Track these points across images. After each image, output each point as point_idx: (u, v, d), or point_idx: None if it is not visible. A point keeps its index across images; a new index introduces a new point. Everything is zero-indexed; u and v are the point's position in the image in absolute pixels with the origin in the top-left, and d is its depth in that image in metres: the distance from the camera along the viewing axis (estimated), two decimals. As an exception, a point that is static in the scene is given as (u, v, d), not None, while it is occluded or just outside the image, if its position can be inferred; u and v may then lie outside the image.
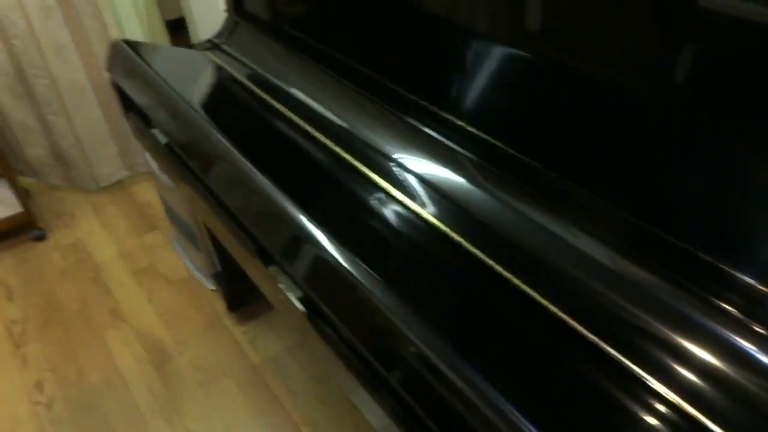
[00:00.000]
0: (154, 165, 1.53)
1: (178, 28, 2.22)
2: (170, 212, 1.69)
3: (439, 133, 0.88)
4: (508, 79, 0.81)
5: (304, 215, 0.77)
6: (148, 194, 2.10)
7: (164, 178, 1.51)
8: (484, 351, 0.63)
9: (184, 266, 1.79)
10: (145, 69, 1.13)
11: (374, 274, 0.68)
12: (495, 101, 0.83)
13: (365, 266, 0.70)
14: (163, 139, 1.14)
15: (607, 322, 0.63)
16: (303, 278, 0.77)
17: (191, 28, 2.12)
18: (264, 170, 0.86)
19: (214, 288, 1.69)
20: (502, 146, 0.81)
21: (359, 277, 0.68)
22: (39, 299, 1.71)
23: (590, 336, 0.62)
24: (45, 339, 1.59)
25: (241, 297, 1.63)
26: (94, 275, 1.78)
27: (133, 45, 1.21)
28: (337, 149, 0.94)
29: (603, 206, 0.70)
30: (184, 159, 1.07)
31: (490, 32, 0.82)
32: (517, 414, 0.54)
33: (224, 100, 1.15)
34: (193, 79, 1.20)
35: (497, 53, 0.81)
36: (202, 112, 1.06)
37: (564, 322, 0.64)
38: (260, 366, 1.48)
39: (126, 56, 1.18)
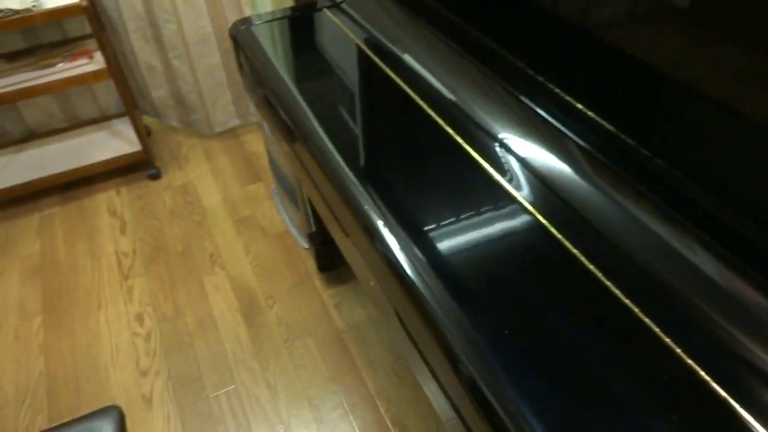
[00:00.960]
0: (261, 118, 1.54)
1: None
2: (274, 166, 1.71)
3: (553, 117, 0.79)
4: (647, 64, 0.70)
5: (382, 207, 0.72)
6: (256, 145, 2.14)
7: (269, 132, 1.52)
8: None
9: (282, 221, 1.82)
10: (260, 52, 1.14)
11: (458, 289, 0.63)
12: (624, 86, 0.73)
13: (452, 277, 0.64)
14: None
15: (713, 351, 0.55)
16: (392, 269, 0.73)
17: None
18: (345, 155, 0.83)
19: (307, 247, 1.71)
20: (622, 135, 0.71)
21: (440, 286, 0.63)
22: (148, 235, 1.81)
23: (698, 371, 0.53)
24: (149, 274, 1.68)
25: (331, 260, 1.63)
26: (199, 218, 1.86)
27: (253, 24, 1.22)
28: (441, 122, 0.89)
29: (730, 219, 0.60)
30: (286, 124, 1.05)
31: (628, 15, 0.72)
32: None
33: (335, 71, 1.11)
34: (308, 47, 1.18)
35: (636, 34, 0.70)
36: (301, 90, 1.04)
37: (665, 347, 0.56)
38: (343, 331, 1.48)
39: (246, 34, 1.19)
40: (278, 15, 1.27)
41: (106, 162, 1.93)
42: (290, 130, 1.02)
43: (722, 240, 0.61)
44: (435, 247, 0.70)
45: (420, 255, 0.69)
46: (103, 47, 1.73)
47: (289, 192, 1.64)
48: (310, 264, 1.67)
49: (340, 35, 1.17)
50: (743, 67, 0.60)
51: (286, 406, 1.33)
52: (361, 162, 0.86)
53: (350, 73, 1.08)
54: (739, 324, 0.56)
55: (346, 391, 1.35)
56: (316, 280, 1.62)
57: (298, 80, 1.05)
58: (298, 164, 1.06)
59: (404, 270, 0.68)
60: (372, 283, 0.80)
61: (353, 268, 0.97)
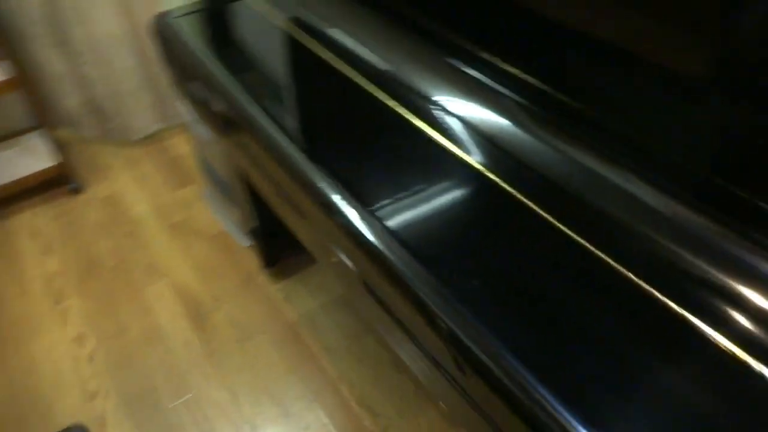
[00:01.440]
0: (190, 116, 1.49)
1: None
2: (206, 166, 1.66)
3: (486, 77, 0.83)
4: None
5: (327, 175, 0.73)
6: (182, 147, 2.08)
7: (200, 130, 1.48)
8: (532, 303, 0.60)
9: (219, 222, 1.78)
10: (189, 44, 1.11)
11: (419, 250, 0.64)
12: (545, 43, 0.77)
13: (412, 237, 0.66)
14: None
15: (663, 272, 0.60)
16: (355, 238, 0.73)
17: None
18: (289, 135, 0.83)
19: (248, 244, 1.68)
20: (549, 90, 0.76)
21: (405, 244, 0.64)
22: (76, 254, 1.72)
23: (644, 286, 0.59)
24: (83, 293, 1.60)
25: (275, 255, 1.61)
26: (130, 229, 1.78)
27: (177, 17, 1.18)
28: (380, 94, 0.91)
29: (657, 151, 0.66)
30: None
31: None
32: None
33: (267, 55, 1.10)
34: (237, 35, 1.15)
35: None
36: (237, 78, 1.02)
37: (615, 270, 0.61)
38: (296, 323, 1.47)
39: (171, 27, 1.15)
40: (202, 5, 1.24)
41: (21, 181, 1.81)
42: (230, 121, 1.00)
43: (649, 169, 0.67)
44: (393, 212, 0.72)
45: (380, 221, 0.70)
46: (7, 56, 1.61)
47: (225, 191, 1.61)
48: (254, 261, 1.64)
49: (266, 19, 1.16)
50: (638, 26, 0.65)
51: (248, 406, 1.31)
52: (310, 141, 0.86)
53: (284, 55, 1.07)
54: (674, 239, 0.62)
55: (307, 380, 1.35)
56: (262, 277, 1.60)
57: (232, 69, 1.03)
58: (242, 156, 1.04)
59: (367, 238, 0.69)
60: (334, 260, 0.81)
61: (311, 250, 0.97)
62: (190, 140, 1.73)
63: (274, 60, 1.06)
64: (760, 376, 0.52)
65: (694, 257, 0.60)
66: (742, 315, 0.56)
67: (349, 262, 0.77)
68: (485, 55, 0.85)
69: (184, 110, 1.51)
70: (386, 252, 0.67)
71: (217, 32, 1.17)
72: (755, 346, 0.54)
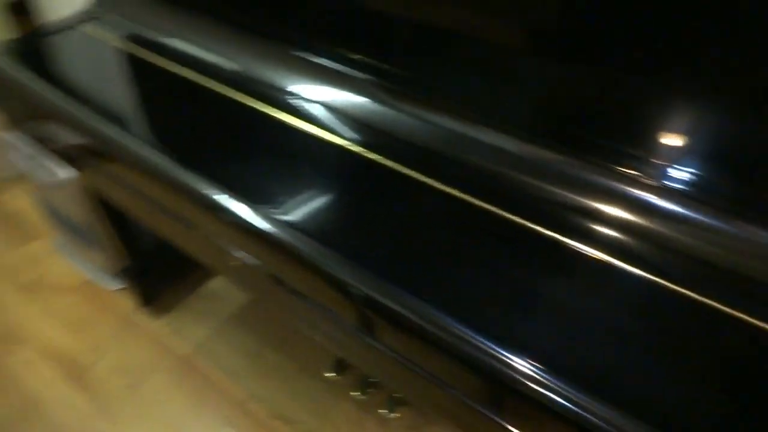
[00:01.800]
0: (28, 163, 1.38)
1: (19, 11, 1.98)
2: (53, 213, 1.54)
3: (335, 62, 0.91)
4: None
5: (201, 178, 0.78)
6: (19, 201, 1.89)
7: (43, 175, 1.37)
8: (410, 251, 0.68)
9: (79, 271, 1.65)
10: (26, 84, 1.04)
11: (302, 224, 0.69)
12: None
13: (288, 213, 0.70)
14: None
15: (523, 202, 0.72)
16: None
17: (38, 7, 1.90)
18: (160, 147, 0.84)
19: (119, 287, 1.58)
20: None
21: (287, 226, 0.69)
22: None
23: (513, 218, 0.70)
24: (-69, 379, 1.40)
25: (153, 289, 1.54)
26: (-27, 300, 1.59)
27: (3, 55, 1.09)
28: (236, 95, 0.94)
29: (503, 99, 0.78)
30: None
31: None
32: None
33: (116, 78, 1.06)
34: (77, 65, 1.10)
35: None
36: (90, 105, 0.98)
37: (489, 211, 0.71)
38: (189, 355, 1.42)
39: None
40: (30, 39, 1.15)
41: None
42: (95, 152, 0.95)
43: (498, 120, 0.78)
44: (281, 201, 0.75)
45: (271, 211, 0.73)
46: None
47: (82, 236, 1.50)
48: (127, 303, 1.55)
49: (106, 43, 1.12)
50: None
51: (156, 449, 1.25)
52: (183, 151, 0.86)
53: (133, 75, 1.05)
54: (528, 173, 0.73)
55: (214, 409, 1.31)
56: (142, 317, 1.52)
57: (83, 97, 0.98)
58: (111, 187, 1.00)
59: (265, 229, 0.72)
60: (234, 263, 0.81)
61: (207, 262, 0.96)
62: (30, 190, 1.58)
63: (125, 81, 1.04)
64: (631, 275, 0.63)
65: (549, 185, 0.72)
66: (601, 226, 0.68)
67: (252, 260, 0.79)
68: (326, 44, 0.92)
69: (19, 159, 1.39)
70: (286, 237, 0.70)
71: (55, 63, 1.10)
72: (622, 250, 0.65)
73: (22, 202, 1.88)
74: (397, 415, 1.20)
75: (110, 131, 0.91)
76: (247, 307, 1.53)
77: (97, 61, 1.10)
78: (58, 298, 1.59)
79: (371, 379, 1.24)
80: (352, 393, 1.22)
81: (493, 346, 0.57)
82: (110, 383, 1.37)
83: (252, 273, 0.81)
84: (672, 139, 0.66)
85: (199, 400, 1.33)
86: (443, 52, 0.81)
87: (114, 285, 1.59)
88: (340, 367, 1.27)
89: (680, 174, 0.66)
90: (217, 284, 1.60)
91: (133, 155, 0.87)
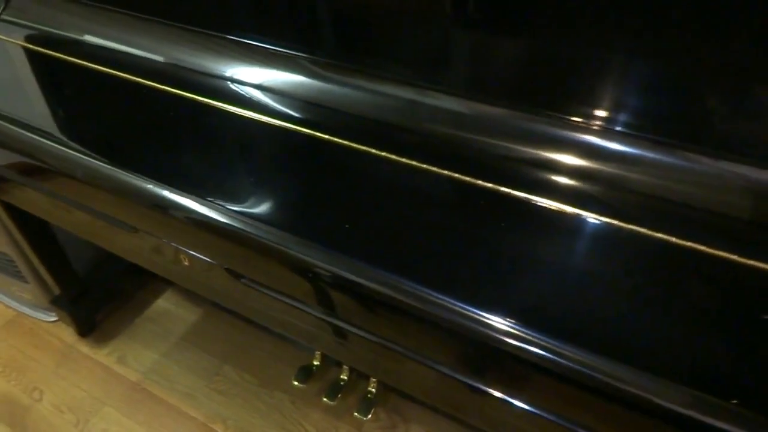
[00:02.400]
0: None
1: None
2: (-30, 246, 1.40)
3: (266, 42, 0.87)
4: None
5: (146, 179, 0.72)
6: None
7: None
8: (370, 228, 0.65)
9: (6, 306, 1.51)
10: None
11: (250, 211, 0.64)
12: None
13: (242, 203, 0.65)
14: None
15: (473, 161, 0.70)
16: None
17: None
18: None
19: (54, 318, 1.46)
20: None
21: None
22: None
23: (464, 178, 0.68)
24: None
25: (92, 316, 1.42)
26: None
27: None
28: (160, 85, 0.89)
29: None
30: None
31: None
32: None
33: (31, 85, 0.97)
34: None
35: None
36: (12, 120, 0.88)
37: (439, 174, 0.69)
38: (141, 381, 1.33)
39: None
40: None
41: None
42: (25, 170, 0.86)
43: (441, 82, 0.76)
44: (228, 190, 0.70)
45: (219, 201, 0.68)
46: None
47: (7, 269, 1.37)
48: (67, 334, 1.43)
49: (13, 48, 1.02)
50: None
51: (114, 488, 1.15)
52: (119, 152, 0.79)
53: (47, 77, 0.98)
54: (475, 131, 0.71)
55: (174, 435, 1.23)
56: (83, 347, 1.41)
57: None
58: (39, 206, 0.91)
59: (218, 220, 0.67)
60: (186, 263, 0.75)
61: (155, 268, 0.88)
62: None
63: (39, 84, 0.95)
64: (586, 220, 0.62)
65: (495, 140, 0.70)
66: (554, 175, 0.67)
67: (207, 256, 0.73)
68: (250, 23, 0.88)
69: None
70: (238, 225, 0.65)
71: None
72: (579, 198, 0.64)
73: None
74: (372, 416, 1.15)
75: (28, 137, 0.83)
76: (199, 324, 1.45)
77: (5, 65, 1.01)
78: (-16, 337, 1.44)
79: (341, 382, 1.19)
80: (323, 399, 1.17)
81: (466, 306, 0.54)
82: (56, 422, 1.26)
83: (206, 271, 0.75)
84: (607, 86, 0.66)
85: (158, 427, 1.24)
86: (375, 19, 0.78)
87: (47, 316, 1.46)
88: (306, 374, 1.22)
89: (619, 115, 0.66)
90: (164, 303, 1.50)
91: (62, 161, 0.79)
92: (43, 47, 1.02)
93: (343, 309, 0.65)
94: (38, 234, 1.20)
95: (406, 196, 0.68)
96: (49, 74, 0.99)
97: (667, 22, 0.59)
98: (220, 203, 0.67)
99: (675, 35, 0.60)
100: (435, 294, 0.55)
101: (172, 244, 0.77)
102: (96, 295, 1.42)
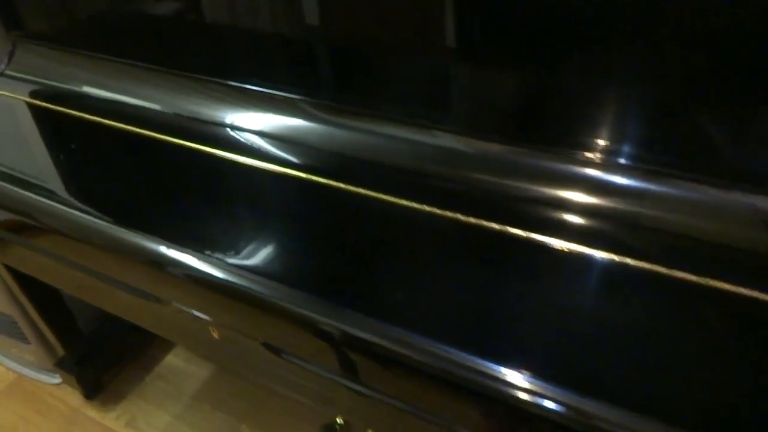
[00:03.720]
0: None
1: None
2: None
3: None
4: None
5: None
6: None
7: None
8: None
9: (8, 368, 1.43)
10: None
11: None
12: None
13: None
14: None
15: (482, 202, 0.66)
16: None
17: None
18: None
19: (58, 381, 1.38)
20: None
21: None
22: None
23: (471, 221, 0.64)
24: None
25: (99, 377, 1.34)
26: None
27: None
28: (165, 137, 0.85)
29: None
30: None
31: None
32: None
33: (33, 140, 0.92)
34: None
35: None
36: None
37: (448, 218, 0.64)
38: (153, 447, 1.24)
39: None
40: None
41: None
42: (22, 228, 0.81)
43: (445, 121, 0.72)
44: (230, 245, 0.66)
45: (220, 256, 0.63)
46: None
47: (7, 329, 1.30)
48: (73, 397, 1.35)
49: (17, 104, 0.98)
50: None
51: None
52: (121, 211, 0.75)
53: (51, 134, 0.94)
54: (481, 171, 0.67)
55: (191, 506, 1.14)
56: (90, 411, 1.32)
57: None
58: (36, 265, 0.85)
59: (221, 278, 0.62)
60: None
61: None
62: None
63: (40, 139, 0.92)
64: (609, 263, 0.57)
65: (506, 180, 0.66)
66: (566, 214, 0.62)
67: (210, 316, 0.67)
68: (249, 68, 0.85)
69: None
70: (244, 283, 0.60)
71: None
72: (592, 236, 0.59)
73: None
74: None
75: (27, 197, 0.78)
76: (212, 381, 1.36)
77: (8, 122, 0.96)
78: (-16, 404, 1.36)
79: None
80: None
81: (488, 364, 0.49)
82: (61, 497, 1.17)
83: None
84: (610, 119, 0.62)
85: (172, 498, 1.15)
86: (377, 61, 0.75)
87: (51, 379, 1.38)
88: (333, 429, 1.14)
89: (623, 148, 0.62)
90: (174, 359, 1.42)
91: (61, 220, 0.75)
92: (45, 101, 0.98)
93: (356, 370, 0.60)
94: (43, 294, 1.13)
95: (414, 242, 0.65)
96: (51, 129, 0.95)
97: (683, 52, 0.55)
98: (218, 258, 0.62)
99: (690, 64, 0.56)
100: (452, 351, 0.51)
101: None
102: (103, 354, 1.34)
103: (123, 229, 0.69)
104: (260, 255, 0.63)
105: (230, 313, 0.65)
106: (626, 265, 0.56)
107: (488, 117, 0.70)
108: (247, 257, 0.63)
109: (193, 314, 0.70)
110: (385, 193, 0.68)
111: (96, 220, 0.72)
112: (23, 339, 1.28)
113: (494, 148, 0.67)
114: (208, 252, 0.63)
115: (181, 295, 0.70)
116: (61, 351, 1.25)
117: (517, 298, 0.56)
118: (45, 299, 1.16)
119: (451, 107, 0.72)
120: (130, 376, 1.38)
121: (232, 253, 0.63)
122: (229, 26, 0.83)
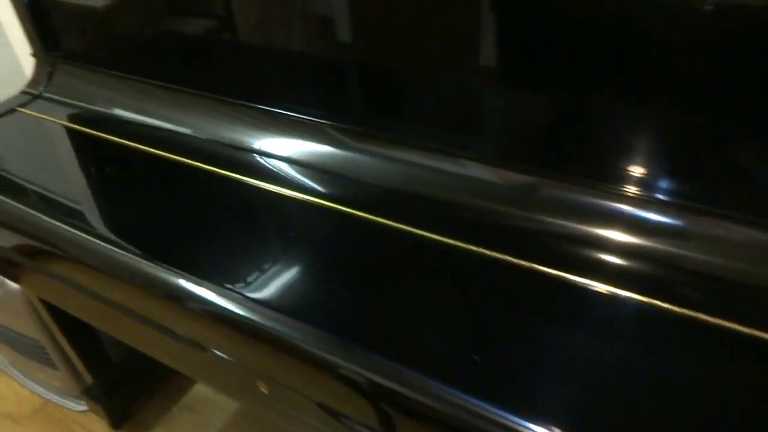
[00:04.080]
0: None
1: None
2: (2, 331, 1.30)
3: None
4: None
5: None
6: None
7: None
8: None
9: (34, 393, 1.40)
10: None
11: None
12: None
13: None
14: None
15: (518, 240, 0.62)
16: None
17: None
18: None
19: (83, 408, 1.34)
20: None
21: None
22: None
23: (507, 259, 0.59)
24: None
25: (125, 407, 1.30)
26: None
27: None
28: (198, 164, 0.82)
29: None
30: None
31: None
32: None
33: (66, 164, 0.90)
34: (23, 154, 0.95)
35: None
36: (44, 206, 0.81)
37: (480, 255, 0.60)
38: (181, 481, 1.19)
39: None
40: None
41: None
42: (41, 256, 0.78)
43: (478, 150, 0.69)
44: (262, 280, 0.61)
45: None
46: None
47: (33, 354, 1.27)
48: (99, 426, 1.31)
49: (55, 127, 0.96)
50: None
51: None
52: (150, 242, 0.72)
53: (84, 157, 0.92)
54: (517, 205, 0.63)
55: None
56: (116, 440, 1.28)
57: (29, 197, 0.81)
58: (64, 295, 0.82)
59: (252, 318, 0.57)
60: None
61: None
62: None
63: (77, 166, 0.90)
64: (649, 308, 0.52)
65: (544, 216, 0.62)
66: (604, 255, 0.58)
67: (238, 357, 0.63)
68: (280, 93, 0.82)
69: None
70: (278, 327, 0.56)
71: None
72: (630, 280, 0.55)
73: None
74: None
75: (56, 227, 0.75)
76: (241, 413, 1.31)
77: (41, 145, 0.94)
78: (10, 427, 1.32)
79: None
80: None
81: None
82: None
83: (238, 375, 0.65)
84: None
85: None
86: (406, 85, 0.71)
87: (77, 405, 1.35)
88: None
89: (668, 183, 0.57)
90: (203, 389, 1.37)
91: (88, 252, 0.72)
92: (83, 126, 0.96)
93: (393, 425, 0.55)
94: (72, 321, 1.10)
95: (454, 283, 0.60)
96: (87, 155, 0.93)
97: (734, 84, 0.51)
98: (249, 295, 0.58)
99: (739, 96, 0.51)
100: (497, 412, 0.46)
101: (200, 344, 0.68)
102: (131, 383, 1.30)
103: (149, 263, 0.66)
104: (303, 300, 0.59)
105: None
106: (667, 311, 0.52)
107: (521, 147, 0.66)
108: (288, 302, 0.59)
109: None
110: (415, 226, 0.65)
111: (123, 252, 0.68)
112: (51, 365, 1.25)
113: (524, 179, 0.64)
114: (242, 292, 0.59)
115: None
116: (89, 379, 1.22)
117: (549, 348, 0.52)
118: (74, 327, 1.12)
119: (482, 134, 0.69)
120: (158, 405, 1.33)
121: (273, 297, 0.59)
122: (264, 48, 0.81)
